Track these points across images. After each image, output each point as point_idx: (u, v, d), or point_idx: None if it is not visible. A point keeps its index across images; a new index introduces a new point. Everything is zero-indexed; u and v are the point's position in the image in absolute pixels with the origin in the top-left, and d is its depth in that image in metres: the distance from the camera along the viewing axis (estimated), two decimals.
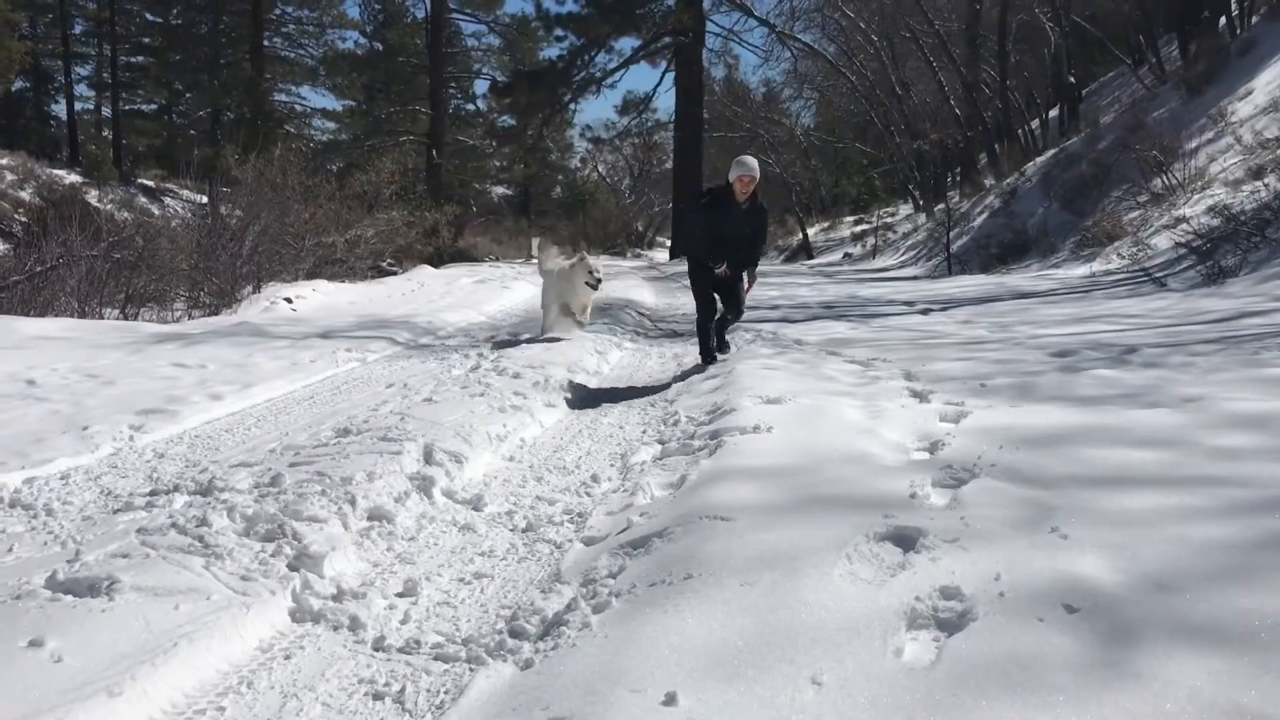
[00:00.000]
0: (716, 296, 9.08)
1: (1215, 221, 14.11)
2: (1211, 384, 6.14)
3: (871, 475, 4.54)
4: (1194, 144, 19.06)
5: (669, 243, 40.06)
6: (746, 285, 9.18)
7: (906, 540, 3.50)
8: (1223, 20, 26.14)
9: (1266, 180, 14.48)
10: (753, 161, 8.85)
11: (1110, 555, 3.18)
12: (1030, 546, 3.32)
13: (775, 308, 14.01)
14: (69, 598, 3.40)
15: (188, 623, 3.25)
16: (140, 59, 48.91)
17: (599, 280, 10.38)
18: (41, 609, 3.31)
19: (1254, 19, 25.00)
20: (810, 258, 38.76)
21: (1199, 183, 17.22)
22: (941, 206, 29.34)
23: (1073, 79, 30.83)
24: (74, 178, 34.98)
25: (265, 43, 43.63)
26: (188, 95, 49.86)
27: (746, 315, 9.80)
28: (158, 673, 2.96)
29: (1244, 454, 4.44)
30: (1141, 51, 28.86)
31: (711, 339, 9.16)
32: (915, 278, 22.55)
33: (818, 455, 5.00)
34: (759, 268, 9.56)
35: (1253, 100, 19.36)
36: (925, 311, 12.48)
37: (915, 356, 8.08)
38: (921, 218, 34.75)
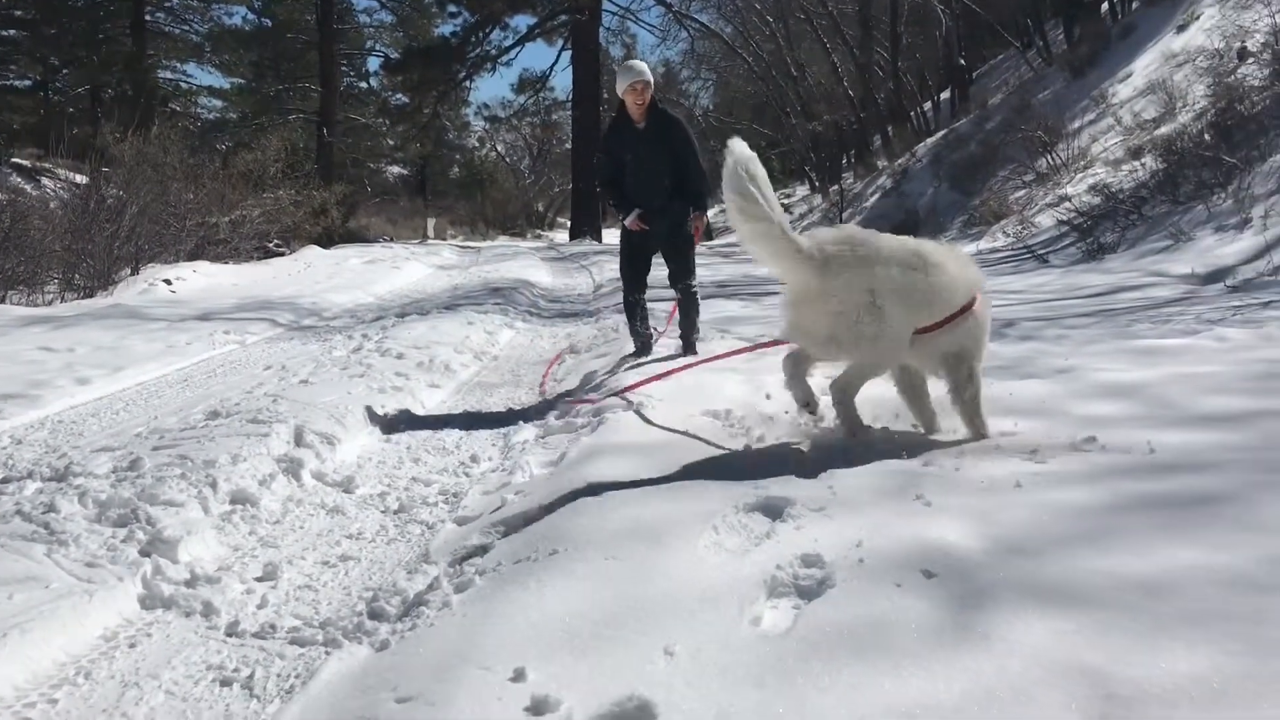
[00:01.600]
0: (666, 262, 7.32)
1: (1096, 200, 14.51)
2: (1084, 355, 6.30)
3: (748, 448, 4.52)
4: (1077, 125, 19.55)
5: (569, 224, 39.86)
6: (696, 237, 7.28)
7: (774, 510, 3.48)
8: (1105, 5, 26.87)
9: (1144, 160, 14.89)
10: (641, 65, 7.01)
11: (971, 521, 3.20)
12: (894, 514, 3.33)
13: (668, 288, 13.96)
14: None
15: (21, 613, 3.08)
16: (12, 32, 46.68)
17: None
18: None
19: (1134, 4, 25.72)
20: (710, 238, 38.92)
21: (1081, 162, 17.67)
22: (836, 187, 29.69)
23: (963, 61, 31.46)
24: None
25: (147, 18, 42.09)
26: (65, 71, 47.75)
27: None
28: None
29: (1110, 421, 4.53)
30: (1029, 35, 29.54)
31: (640, 321, 7.43)
32: None
33: (697, 429, 4.99)
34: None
35: (1132, 83, 19.91)
36: None
37: None
38: (818, 198, 35.13)
